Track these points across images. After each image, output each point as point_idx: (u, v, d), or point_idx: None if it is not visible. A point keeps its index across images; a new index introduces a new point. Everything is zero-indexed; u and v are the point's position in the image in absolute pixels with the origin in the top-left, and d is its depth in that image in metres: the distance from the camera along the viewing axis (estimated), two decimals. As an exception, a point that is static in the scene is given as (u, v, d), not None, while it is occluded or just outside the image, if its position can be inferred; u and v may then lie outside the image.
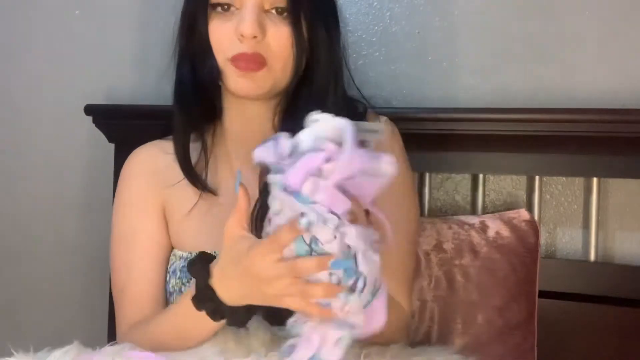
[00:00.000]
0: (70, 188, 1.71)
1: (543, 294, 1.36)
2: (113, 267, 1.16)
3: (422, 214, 1.44)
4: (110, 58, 1.67)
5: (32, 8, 1.71)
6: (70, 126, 1.68)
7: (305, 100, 1.06)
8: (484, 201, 1.46)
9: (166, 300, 1.13)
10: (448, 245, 1.33)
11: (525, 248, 1.34)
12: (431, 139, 1.40)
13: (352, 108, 1.13)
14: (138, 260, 1.13)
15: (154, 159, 1.16)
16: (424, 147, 1.39)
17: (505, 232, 1.34)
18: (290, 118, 1.07)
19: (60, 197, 1.71)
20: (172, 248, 1.14)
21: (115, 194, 1.21)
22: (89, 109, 1.58)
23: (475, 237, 1.34)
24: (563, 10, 1.43)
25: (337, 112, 0.96)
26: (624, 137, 1.32)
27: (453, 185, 1.51)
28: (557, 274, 1.39)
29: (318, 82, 1.08)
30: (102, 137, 1.59)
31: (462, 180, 1.50)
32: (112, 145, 1.59)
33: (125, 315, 1.12)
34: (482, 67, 1.47)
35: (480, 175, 1.45)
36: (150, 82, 1.63)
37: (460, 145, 1.41)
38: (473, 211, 1.47)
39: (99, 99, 1.64)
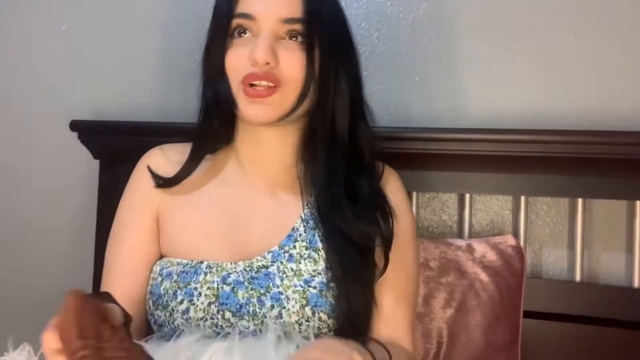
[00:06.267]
0: (55, 203, 1.69)
1: (528, 314, 1.36)
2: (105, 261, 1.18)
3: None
4: (97, 74, 1.66)
5: (18, 23, 1.69)
6: (56, 142, 1.66)
7: (323, 126, 1.10)
8: (470, 221, 1.46)
9: (144, 302, 1.12)
10: (434, 264, 1.33)
11: (511, 272, 1.34)
12: (418, 158, 1.41)
13: (371, 142, 1.15)
14: (119, 260, 1.14)
15: (167, 162, 1.17)
16: (411, 166, 1.39)
17: (492, 255, 1.35)
18: (309, 144, 1.12)
19: (44, 213, 1.69)
20: (162, 256, 1.15)
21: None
22: (75, 125, 1.57)
23: (462, 257, 1.34)
24: (548, 34, 1.45)
25: (356, 143, 1.13)
26: (608, 158, 1.33)
27: (440, 204, 1.51)
28: (542, 294, 1.40)
29: (333, 112, 1.11)
30: (87, 153, 1.58)
31: (449, 200, 1.51)
32: (97, 162, 1.57)
33: None
34: (469, 87, 1.48)
35: (467, 195, 1.46)
36: (138, 98, 1.63)
37: (447, 165, 1.42)
38: (460, 230, 1.47)
39: (84, 115, 1.63)
